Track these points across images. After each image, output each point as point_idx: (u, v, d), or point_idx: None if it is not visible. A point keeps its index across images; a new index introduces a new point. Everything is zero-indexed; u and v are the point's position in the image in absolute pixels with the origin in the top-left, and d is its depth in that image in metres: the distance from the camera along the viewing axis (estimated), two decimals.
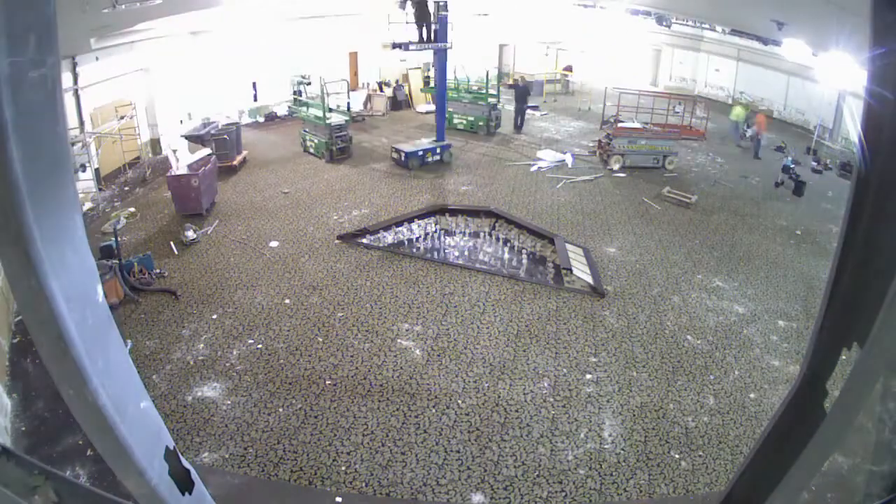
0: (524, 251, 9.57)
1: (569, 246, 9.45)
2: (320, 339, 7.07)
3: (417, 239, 9.89)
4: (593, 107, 20.81)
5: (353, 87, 20.42)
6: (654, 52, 24.64)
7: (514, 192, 12.18)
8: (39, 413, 5.69)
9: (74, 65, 11.12)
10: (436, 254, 9.37)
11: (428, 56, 20.64)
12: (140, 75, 13.70)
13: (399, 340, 7.08)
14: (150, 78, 14.00)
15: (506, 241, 9.89)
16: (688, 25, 20.74)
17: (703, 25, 19.82)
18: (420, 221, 10.40)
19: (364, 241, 9.60)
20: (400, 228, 10.15)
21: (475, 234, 10.13)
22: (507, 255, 9.42)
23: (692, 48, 22.42)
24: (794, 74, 17.96)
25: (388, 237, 9.89)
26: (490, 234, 10.14)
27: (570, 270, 8.58)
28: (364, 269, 8.73)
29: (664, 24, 18.61)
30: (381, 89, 20.00)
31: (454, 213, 10.80)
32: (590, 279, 8.47)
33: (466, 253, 9.48)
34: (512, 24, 23.26)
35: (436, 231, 10.17)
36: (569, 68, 24.34)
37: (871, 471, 1.38)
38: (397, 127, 17.81)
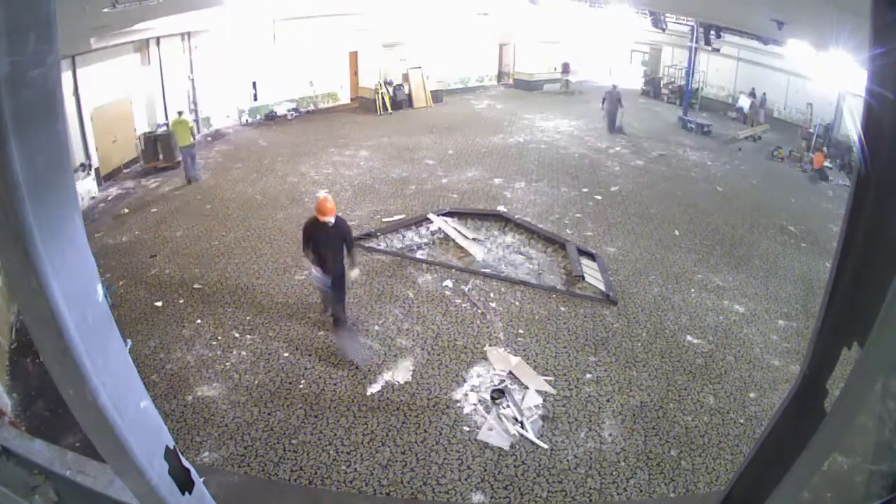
0: (533, 256, 9.45)
1: (580, 252, 9.35)
2: (321, 339, 7.07)
3: (424, 243, 9.80)
4: (594, 105, 20.83)
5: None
6: (654, 52, 24.61)
7: None
8: (39, 413, 5.69)
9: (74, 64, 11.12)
10: (441, 258, 9.33)
11: (429, 57, 20.70)
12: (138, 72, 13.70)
13: (399, 340, 7.08)
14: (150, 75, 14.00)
15: (515, 246, 9.81)
16: (687, 25, 20.71)
17: (702, 26, 19.78)
18: (427, 225, 10.33)
19: (369, 244, 9.57)
20: (406, 232, 10.10)
21: (483, 238, 10.04)
22: (516, 260, 9.34)
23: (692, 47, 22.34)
24: (795, 74, 17.97)
25: (394, 241, 9.84)
26: (498, 238, 10.05)
27: (583, 277, 8.42)
28: (366, 272, 8.73)
29: (659, 26, 18.56)
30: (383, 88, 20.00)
31: (462, 216, 10.72)
32: (602, 286, 8.36)
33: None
34: (512, 23, 23.26)
35: (442, 234, 10.08)
36: (566, 67, 24.30)
37: (871, 470, 1.38)
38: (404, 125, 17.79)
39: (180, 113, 13.16)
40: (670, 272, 9.04)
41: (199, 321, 7.43)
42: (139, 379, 0.93)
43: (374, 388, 6.25)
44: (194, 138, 12.80)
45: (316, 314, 7.49)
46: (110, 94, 12.52)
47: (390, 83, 19.92)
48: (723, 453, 5.49)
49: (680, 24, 20.59)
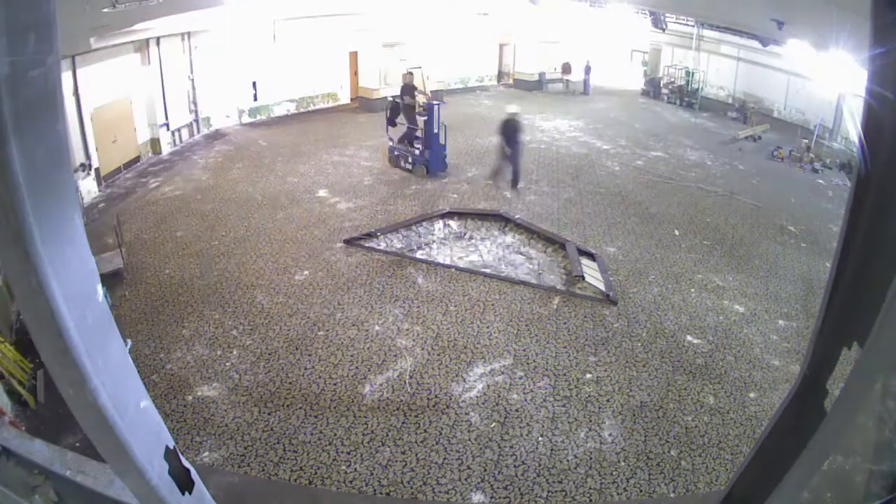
0: (533, 256, 9.44)
1: (580, 252, 9.34)
2: (321, 339, 7.07)
3: (424, 243, 9.79)
4: (594, 105, 20.87)
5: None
6: (654, 52, 24.63)
7: None
8: (39, 413, 5.69)
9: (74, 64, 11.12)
10: (441, 257, 9.34)
11: (430, 57, 20.69)
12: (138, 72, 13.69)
13: (399, 340, 7.08)
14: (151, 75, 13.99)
15: (515, 246, 9.81)
16: (688, 25, 20.72)
17: (703, 25, 19.80)
18: (427, 224, 10.33)
19: (370, 244, 9.56)
20: (407, 232, 10.10)
21: (483, 238, 10.04)
22: (516, 260, 9.33)
23: (692, 47, 22.37)
24: (795, 74, 17.98)
25: (395, 241, 9.84)
26: (498, 238, 10.05)
27: (583, 277, 8.41)
28: (367, 272, 8.74)
29: (659, 26, 18.55)
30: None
31: (462, 216, 10.72)
32: (602, 286, 8.35)
33: (473, 257, 9.42)
34: (512, 23, 23.25)
35: (442, 235, 10.08)
36: (567, 67, 24.27)
37: (871, 470, 1.38)
38: None
39: None
40: (670, 272, 9.04)
41: (199, 321, 7.43)
42: (139, 379, 0.93)
43: (373, 388, 6.25)
44: None
45: None
46: (110, 94, 12.51)
47: (389, 84, 19.87)
48: (723, 453, 5.50)
49: (680, 23, 20.61)
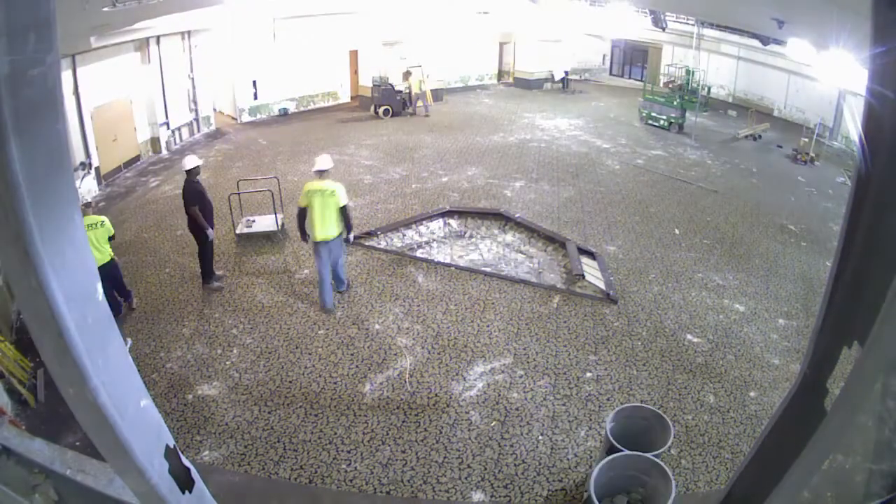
0: (533, 255, 9.45)
1: (580, 251, 9.34)
2: (321, 337, 7.07)
3: (424, 242, 9.80)
4: (595, 104, 20.84)
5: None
6: (654, 51, 24.61)
7: None
8: (40, 412, 5.70)
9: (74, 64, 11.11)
10: (441, 256, 9.34)
11: (430, 56, 20.68)
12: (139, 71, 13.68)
13: (399, 339, 7.08)
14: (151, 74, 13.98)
15: (515, 244, 9.81)
16: (688, 24, 20.68)
17: (703, 24, 19.76)
18: (427, 223, 10.34)
19: (369, 243, 9.57)
20: (407, 231, 10.10)
21: (483, 237, 10.06)
22: (516, 258, 9.34)
23: (693, 46, 22.32)
24: (795, 73, 17.97)
25: (395, 239, 9.84)
26: (498, 237, 10.07)
27: (583, 276, 8.41)
28: (367, 271, 8.74)
29: (659, 25, 18.53)
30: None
31: (462, 214, 10.73)
32: (602, 285, 8.35)
33: (473, 255, 9.43)
34: (512, 22, 23.23)
35: (442, 234, 10.09)
36: (565, 76, 24.35)
37: (871, 470, 1.38)
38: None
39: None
40: (670, 271, 9.04)
41: (199, 320, 7.43)
42: (139, 378, 0.93)
43: (373, 387, 6.25)
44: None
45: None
46: (110, 94, 12.51)
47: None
48: (723, 452, 5.50)
49: (680, 22, 20.57)
